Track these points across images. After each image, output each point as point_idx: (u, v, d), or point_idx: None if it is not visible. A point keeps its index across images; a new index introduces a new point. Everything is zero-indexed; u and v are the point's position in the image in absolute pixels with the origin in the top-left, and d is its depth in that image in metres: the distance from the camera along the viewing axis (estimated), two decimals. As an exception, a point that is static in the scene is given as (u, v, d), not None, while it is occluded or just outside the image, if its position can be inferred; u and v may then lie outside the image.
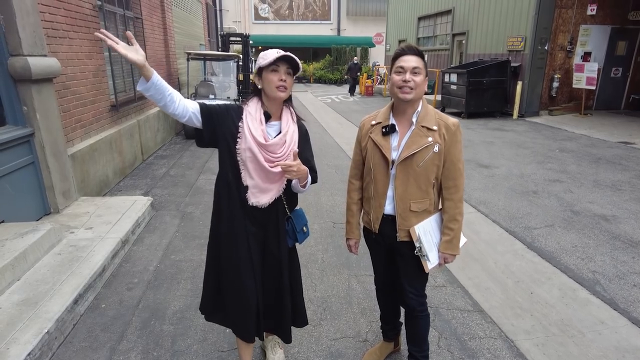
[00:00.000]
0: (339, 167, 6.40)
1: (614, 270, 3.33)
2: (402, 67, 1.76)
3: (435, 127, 1.81)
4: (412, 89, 1.76)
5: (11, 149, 3.51)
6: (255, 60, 1.87)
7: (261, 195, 1.85)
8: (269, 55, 1.75)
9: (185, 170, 6.30)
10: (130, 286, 3.14)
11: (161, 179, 5.89)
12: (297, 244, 2.06)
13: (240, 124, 1.81)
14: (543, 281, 3.18)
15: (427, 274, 2.04)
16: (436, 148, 1.80)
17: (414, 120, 1.84)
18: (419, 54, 1.79)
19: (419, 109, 1.85)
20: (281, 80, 1.77)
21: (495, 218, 4.40)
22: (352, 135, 8.91)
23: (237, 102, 1.87)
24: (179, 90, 9.57)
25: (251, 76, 1.85)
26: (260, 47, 19.93)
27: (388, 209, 1.93)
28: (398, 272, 2.05)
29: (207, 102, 1.89)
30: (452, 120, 1.87)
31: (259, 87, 1.84)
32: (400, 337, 2.44)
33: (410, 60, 1.76)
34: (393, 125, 1.87)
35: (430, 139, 1.80)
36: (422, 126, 1.82)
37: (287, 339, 2.12)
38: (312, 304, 2.90)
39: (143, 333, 2.61)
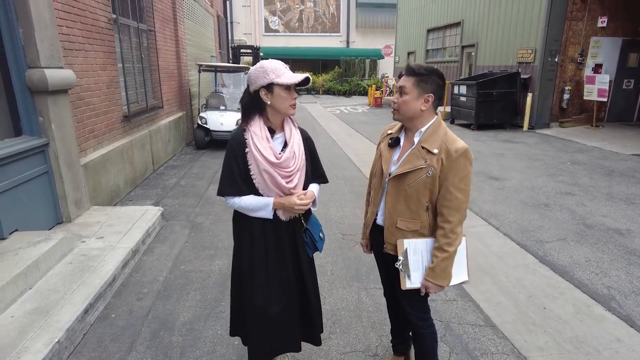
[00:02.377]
0: (347, 179, 6.40)
1: (630, 286, 3.26)
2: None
3: (435, 151, 1.72)
4: (395, 110, 1.83)
5: (27, 159, 3.57)
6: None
7: (283, 210, 1.89)
8: (281, 71, 1.73)
9: (195, 181, 6.35)
10: (140, 296, 3.15)
11: (172, 189, 5.94)
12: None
13: (246, 149, 1.79)
14: (556, 296, 3.12)
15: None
16: (429, 172, 1.73)
17: (415, 140, 1.81)
18: (413, 73, 1.75)
19: (423, 129, 1.80)
20: (294, 98, 1.82)
21: (507, 231, 4.35)
22: (361, 146, 8.96)
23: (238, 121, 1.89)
24: (190, 101, 9.69)
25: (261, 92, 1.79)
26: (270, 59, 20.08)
27: (379, 218, 1.96)
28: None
29: (230, 167, 1.83)
30: (458, 145, 1.72)
31: (268, 102, 1.78)
32: (410, 352, 2.40)
33: (400, 81, 1.81)
34: (398, 139, 1.88)
35: (425, 161, 1.74)
36: (423, 147, 1.77)
37: (317, 343, 2.18)
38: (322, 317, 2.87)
39: (152, 344, 2.61)
